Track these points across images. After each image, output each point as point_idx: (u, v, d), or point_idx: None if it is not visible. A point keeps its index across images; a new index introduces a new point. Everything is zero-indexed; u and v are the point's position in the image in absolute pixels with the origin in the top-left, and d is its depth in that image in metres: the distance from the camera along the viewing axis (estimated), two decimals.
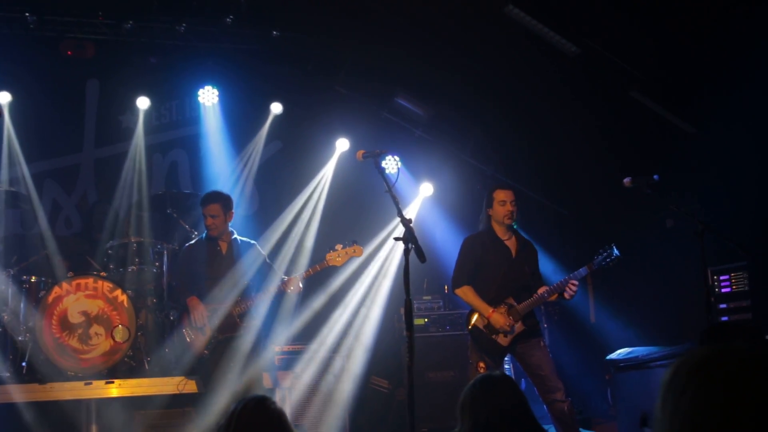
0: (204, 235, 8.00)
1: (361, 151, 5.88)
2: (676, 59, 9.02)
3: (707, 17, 8.47)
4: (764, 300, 8.06)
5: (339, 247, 7.80)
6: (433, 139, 11.03)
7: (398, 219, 5.40)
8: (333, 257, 7.79)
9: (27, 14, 9.30)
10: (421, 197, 10.53)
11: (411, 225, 5.24)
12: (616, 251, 7.14)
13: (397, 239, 5.28)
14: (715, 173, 9.01)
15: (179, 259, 8.25)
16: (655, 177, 6.34)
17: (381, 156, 5.79)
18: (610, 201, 10.24)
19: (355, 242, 7.87)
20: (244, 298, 7.74)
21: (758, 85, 8.31)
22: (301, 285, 7.89)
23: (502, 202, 7.27)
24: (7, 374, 7.73)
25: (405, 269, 5.14)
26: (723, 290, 8.36)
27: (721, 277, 8.38)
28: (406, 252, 5.16)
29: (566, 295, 7.14)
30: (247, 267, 7.85)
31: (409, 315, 5.08)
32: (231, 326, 7.65)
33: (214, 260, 7.86)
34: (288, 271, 9.12)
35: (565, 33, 8.98)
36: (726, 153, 8.88)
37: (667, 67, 9.16)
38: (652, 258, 9.42)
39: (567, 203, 11.10)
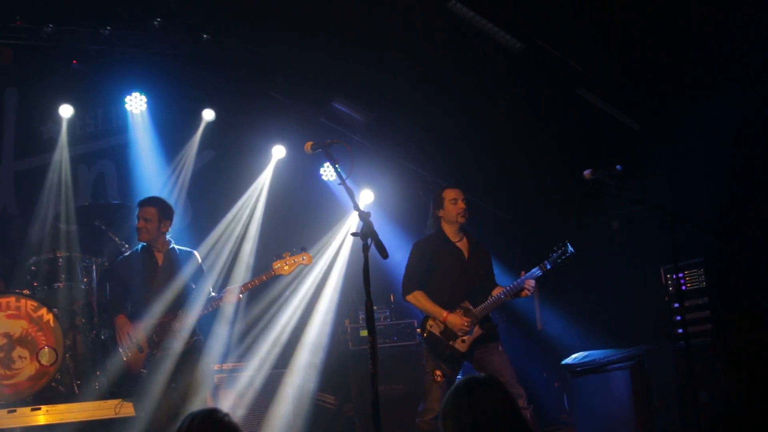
0: (139, 247, 7.48)
1: (309, 143, 5.44)
2: (622, 56, 8.90)
3: (653, 14, 8.34)
4: (721, 296, 7.89)
5: (286, 254, 7.34)
6: (373, 145, 10.71)
7: (341, 223, 5.02)
8: (280, 266, 7.32)
9: None
10: (361, 205, 10.13)
11: (369, 219, 4.83)
12: (570, 248, 6.92)
13: (354, 235, 4.86)
14: (662, 171, 8.88)
15: (112, 273, 7.74)
16: (618, 167, 6.04)
17: (332, 146, 5.33)
18: (555, 204, 10.06)
19: (304, 249, 7.43)
20: (185, 311, 7.19)
21: (704, 82, 8.27)
22: (240, 296, 7.41)
23: (454, 201, 7.02)
24: None
25: (365, 267, 4.72)
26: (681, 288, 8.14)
27: (673, 276, 8.14)
28: (365, 248, 4.74)
29: (524, 294, 6.84)
30: (187, 278, 7.34)
31: (370, 318, 4.66)
32: (170, 342, 7.13)
33: (151, 272, 7.33)
34: (226, 284, 8.67)
35: (509, 28, 8.74)
36: (672, 150, 8.78)
37: (613, 63, 9.02)
38: (598, 261, 9.22)
39: (511, 207, 10.89)
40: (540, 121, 9.69)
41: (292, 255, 7.36)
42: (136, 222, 7.37)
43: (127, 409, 7.31)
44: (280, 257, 7.35)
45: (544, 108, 9.61)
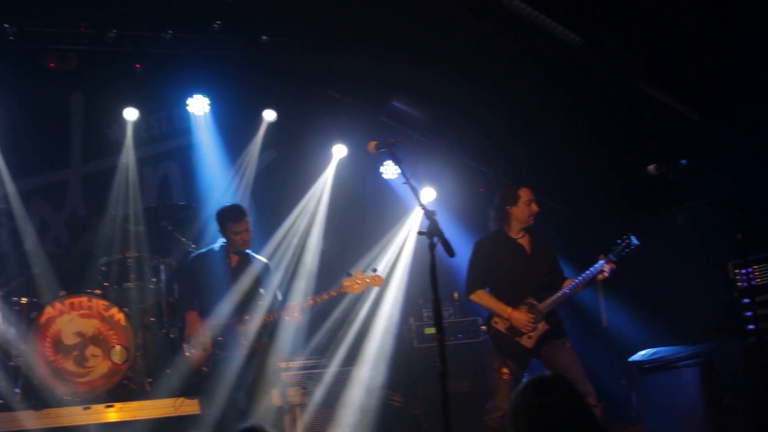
0: (217, 246, 7.53)
1: (373, 143, 5.45)
2: (681, 47, 8.76)
3: (710, 3, 8.21)
4: None
5: (358, 273, 7.30)
6: (432, 143, 10.70)
7: (403, 221, 5.01)
8: (350, 284, 7.28)
9: (6, 25, 8.93)
10: (424, 203, 10.14)
11: (435, 217, 4.83)
12: (635, 240, 6.80)
13: (421, 233, 4.87)
14: (727, 162, 8.73)
15: (184, 271, 7.83)
16: (683, 161, 5.96)
17: (395, 145, 5.34)
18: (618, 199, 9.94)
19: (376, 270, 7.38)
20: (251, 315, 7.23)
21: (766, 70, 8.07)
22: (299, 314, 7.33)
23: (529, 202, 6.98)
24: (1, 402, 7.30)
25: (431, 265, 4.72)
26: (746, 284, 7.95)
27: (743, 271, 7.98)
28: (431, 247, 4.75)
29: (601, 277, 6.77)
30: (257, 283, 7.38)
31: (438, 316, 4.66)
32: (235, 343, 7.19)
33: (224, 273, 7.37)
34: (290, 285, 8.75)
35: (568, 23, 8.66)
36: (736, 140, 8.63)
37: (673, 55, 8.89)
38: (663, 257, 9.09)
39: (572, 203, 10.76)
40: (601, 115, 9.59)
41: (364, 275, 7.34)
42: (239, 235, 7.38)
43: (190, 407, 7.42)
44: (350, 275, 7.33)
45: (605, 102, 9.50)
